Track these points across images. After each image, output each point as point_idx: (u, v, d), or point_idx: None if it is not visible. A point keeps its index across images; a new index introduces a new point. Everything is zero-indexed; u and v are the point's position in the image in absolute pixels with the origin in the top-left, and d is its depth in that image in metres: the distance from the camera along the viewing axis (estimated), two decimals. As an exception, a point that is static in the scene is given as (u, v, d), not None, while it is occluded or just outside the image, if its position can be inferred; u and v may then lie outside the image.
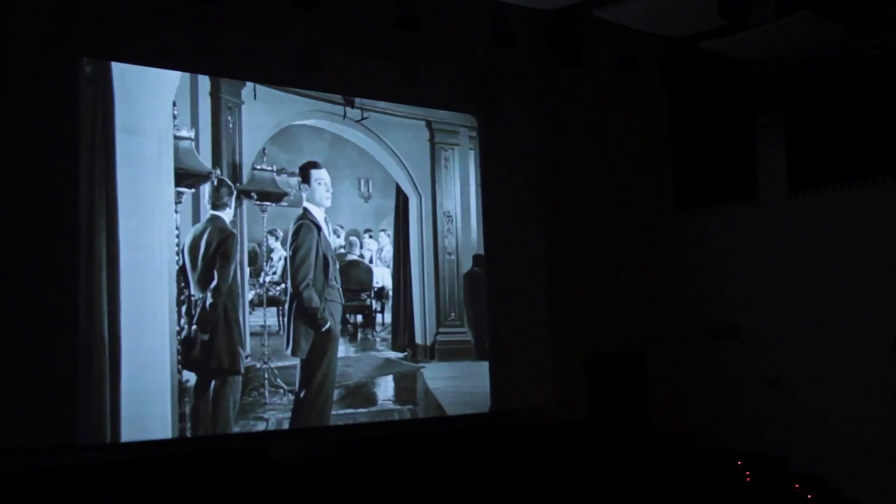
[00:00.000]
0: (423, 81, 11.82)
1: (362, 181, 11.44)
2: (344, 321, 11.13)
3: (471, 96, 12.35)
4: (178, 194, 9.91)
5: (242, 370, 10.17)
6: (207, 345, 9.93)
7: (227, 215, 10.23)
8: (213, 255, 10.06)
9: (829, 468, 12.07)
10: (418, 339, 11.73)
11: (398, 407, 11.40)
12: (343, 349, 11.04)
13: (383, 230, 11.59)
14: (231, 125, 10.40)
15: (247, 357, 10.27)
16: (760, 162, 13.19)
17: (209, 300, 9.97)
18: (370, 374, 11.28)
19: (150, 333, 9.60)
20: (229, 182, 10.31)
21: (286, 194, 10.74)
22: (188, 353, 9.83)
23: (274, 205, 10.65)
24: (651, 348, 13.78)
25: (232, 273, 10.17)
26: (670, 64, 13.04)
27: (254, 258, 10.47)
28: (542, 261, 12.75)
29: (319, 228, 10.81)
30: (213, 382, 9.95)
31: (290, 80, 10.88)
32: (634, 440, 12.69)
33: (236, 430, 10.11)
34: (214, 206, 10.17)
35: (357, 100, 11.41)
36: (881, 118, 11.79)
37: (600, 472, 11.47)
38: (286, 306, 10.64)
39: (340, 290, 11.01)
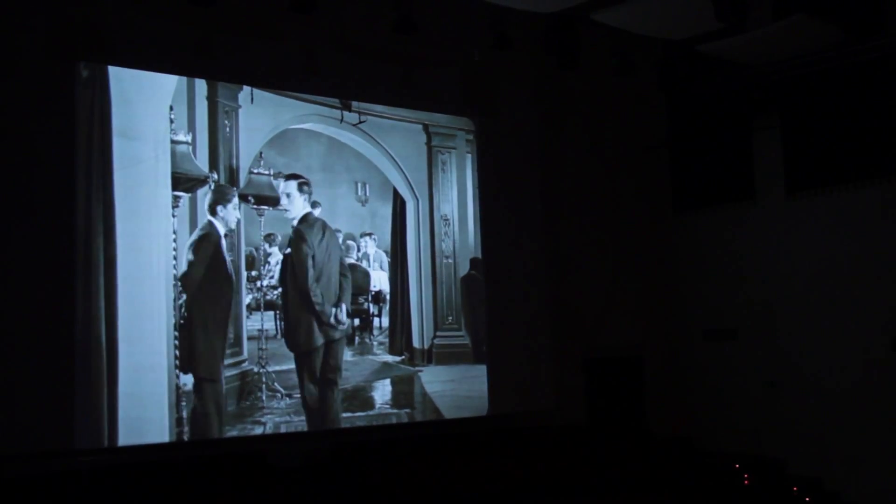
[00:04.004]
0: (421, 85, 11.82)
1: (359, 185, 11.43)
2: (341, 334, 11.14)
3: (468, 100, 12.35)
4: (176, 198, 9.90)
5: (221, 378, 10.03)
6: (187, 348, 9.90)
7: (218, 221, 10.21)
8: (192, 258, 10.03)
9: (827, 471, 12.06)
10: (416, 343, 11.72)
11: (396, 411, 11.39)
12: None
13: (369, 234, 11.52)
14: (228, 129, 10.40)
15: (244, 361, 10.25)
16: (757, 164, 13.19)
17: (187, 303, 9.94)
18: (368, 377, 11.27)
19: (148, 337, 9.59)
20: (226, 190, 10.29)
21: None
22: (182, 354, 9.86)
23: (271, 209, 10.65)
24: (649, 351, 13.77)
25: (209, 276, 10.08)
26: (668, 67, 13.09)
27: (251, 262, 10.46)
28: (539, 264, 12.74)
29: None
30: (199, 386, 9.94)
31: (287, 84, 10.87)
32: (632, 443, 12.68)
33: (234, 433, 10.10)
34: (210, 212, 10.18)
35: (354, 103, 11.40)
36: (878, 120, 11.79)
37: (598, 476, 11.46)
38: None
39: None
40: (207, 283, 10.07)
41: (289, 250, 10.75)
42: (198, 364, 9.88)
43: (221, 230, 10.23)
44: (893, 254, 11.71)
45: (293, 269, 10.76)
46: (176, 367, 9.72)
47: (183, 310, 9.86)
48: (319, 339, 10.86)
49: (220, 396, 9.99)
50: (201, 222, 10.11)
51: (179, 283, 9.86)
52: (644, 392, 13.67)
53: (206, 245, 10.10)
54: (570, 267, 13.12)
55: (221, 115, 10.37)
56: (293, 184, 10.82)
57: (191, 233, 10.03)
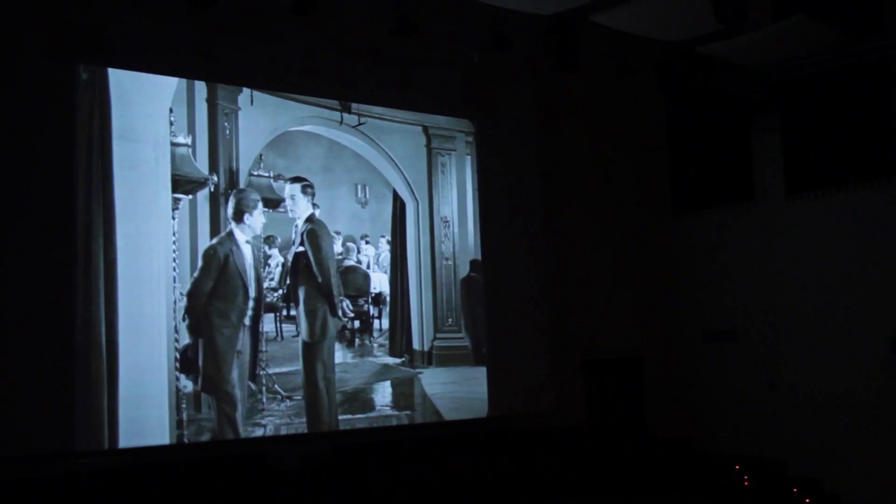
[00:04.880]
0: (420, 86, 11.83)
1: (359, 187, 11.43)
2: (341, 327, 11.13)
3: (467, 101, 12.35)
4: (176, 200, 9.89)
5: (230, 388, 10.05)
6: (193, 362, 9.96)
7: (242, 229, 10.27)
8: (199, 271, 10.08)
9: (827, 472, 12.06)
10: (416, 345, 11.72)
11: (396, 412, 11.38)
12: (340, 355, 11.04)
13: (382, 236, 11.57)
14: (228, 131, 10.40)
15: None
16: (757, 166, 13.20)
17: (195, 316, 9.98)
18: (368, 379, 11.27)
19: (148, 339, 9.59)
20: (250, 194, 10.40)
21: (283, 200, 10.73)
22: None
23: (271, 211, 10.64)
24: (649, 353, 13.77)
25: (218, 291, 10.10)
26: (667, 68, 13.07)
27: (251, 264, 10.49)
28: (539, 265, 12.74)
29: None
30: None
31: (286, 86, 10.86)
32: (632, 445, 12.68)
33: (233, 435, 10.10)
34: (235, 219, 10.31)
35: (353, 105, 11.40)
36: (877, 122, 11.80)
37: (598, 477, 11.47)
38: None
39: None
40: (217, 298, 10.10)
41: (301, 248, 10.75)
42: (200, 379, 9.91)
43: (242, 238, 10.27)
44: (893, 255, 11.72)
45: (310, 266, 10.80)
46: (176, 368, 9.72)
47: (183, 315, 9.86)
48: (333, 329, 10.93)
49: (221, 415, 9.99)
50: (222, 228, 10.19)
51: (185, 296, 9.88)
52: (644, 394, 13.67)
53: (215, 257, 10.13)
54: (570, 268, 13.12)
55: (221, 118, 10.36)
56: (297, 186, 10.83)
57: (191, 235, 10.02)
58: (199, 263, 10.02)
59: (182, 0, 9.14)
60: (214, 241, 10.15)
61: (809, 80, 12.38)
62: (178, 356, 9.74)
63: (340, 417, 10.90)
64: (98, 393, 9.22)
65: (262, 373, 10.37)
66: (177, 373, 9.71)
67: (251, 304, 10.35)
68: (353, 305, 11.29)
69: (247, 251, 10.34)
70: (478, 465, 11.09)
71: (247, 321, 10.30)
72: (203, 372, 9.91)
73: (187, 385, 9.79)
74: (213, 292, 10.06)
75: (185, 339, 9.83)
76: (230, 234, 10.25)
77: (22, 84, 9.16)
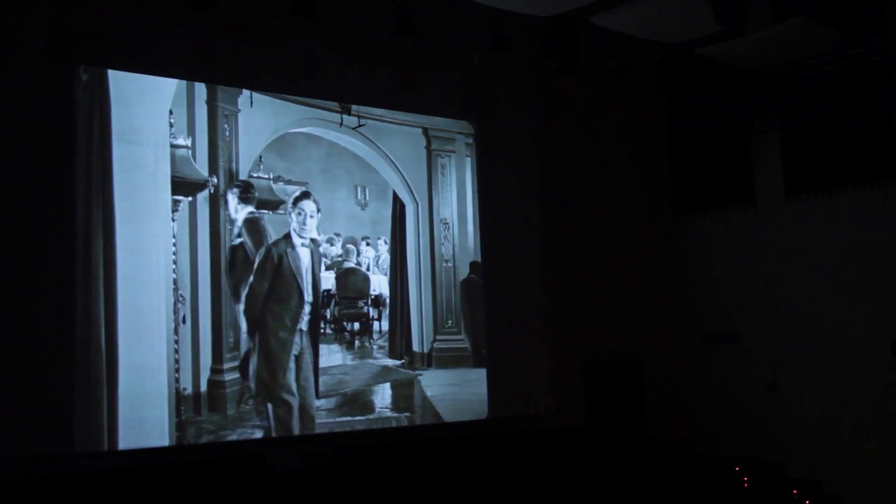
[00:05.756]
0: (420, 88, 11.83)
1: (359, 189, 11.43)
2: (340, 329, 11.13)
3: (467, 103, 12.35)
4: (175, 202, 9.90)
5: (285, 394, 10.28)
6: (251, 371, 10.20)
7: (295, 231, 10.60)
8: (254, 274, 10.37)
9: (827, 474, 12.05)
10: (415, 347, 11.72)
11: (395, 414, 11.38)
12: (340, 357, 11.04)
13: (380, 238, 11.57)
14: (228, 133, 10.40)
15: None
16: (757, 167, 13.20)
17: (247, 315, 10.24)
18: (367, 381, 11.26)
19: (148, 340, 9.59)
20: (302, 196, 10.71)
21: (283, 202, 10.73)
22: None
23: (271, 213, 10.63)
24: (648, 354, 13.76)
25: (274, 292, 10.36)
26: (667, 70, 13.05)
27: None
28: (539, 267, 12.74)
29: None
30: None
31: (286, 88, 10.87)
32: (632, 446, 12.68)
33: (233, 437, 10.09)
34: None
35: (353, 107, 11.41)
36: (877, 124, 11.81)
37: (598, 479, 11.47)
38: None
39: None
40: (272, 300, 10.28)
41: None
42: (258, 387, 10.15)
43: (299, 240, 10.46)
44: (892, 257, 11.72)
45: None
46: (176, 370, 9.72)
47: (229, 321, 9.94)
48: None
49: (277, 421, 10.22)
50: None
51: (244, 298, 10.08)
52: (644, 395, 13.66)
53: (269, 257, 10.32)
54: (570, 270, 13.10)
55: (221, 119, 10.37)
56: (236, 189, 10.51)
57: (190, 237, 10.03)
58: (255, 264, 10.22)
59: (182, 1, 9.14)
60: (271, 241, 10.37)
61: (809, 81, 12.39)
62: (177, 357, 9.73)
63: (340, 419, 10.90)
64: (98, 394, 9.22)
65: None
66: (176, 374, 9.71)
67: (307, 308, 10.54)
68: (352, 308, 11.28)
69: (303, 254, 10.52)
70: (478, 466, 11.09)
71: (303, 326, 10.49)
72: (257, 376, 10.07)
73: (187, 387, 9.79)
74: (269, 294, 10.24)
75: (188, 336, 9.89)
76: (287, 236, 10.46)
77: (22, 84, 9.16)
